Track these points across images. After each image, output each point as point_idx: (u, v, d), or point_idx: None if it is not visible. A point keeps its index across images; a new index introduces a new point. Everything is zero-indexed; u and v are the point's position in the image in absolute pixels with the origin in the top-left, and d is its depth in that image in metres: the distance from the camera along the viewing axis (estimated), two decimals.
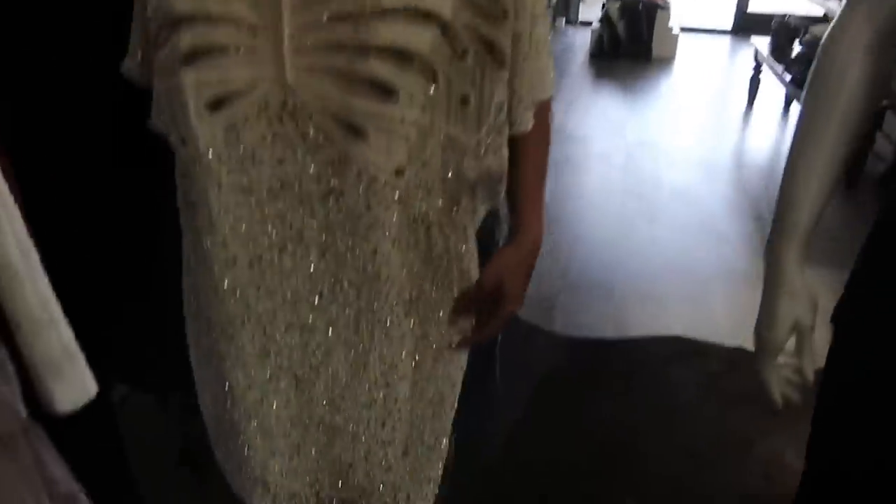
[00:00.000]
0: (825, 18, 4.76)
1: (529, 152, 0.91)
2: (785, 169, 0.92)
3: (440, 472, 1.04)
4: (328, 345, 0.89)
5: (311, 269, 0.84)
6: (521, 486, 1.71)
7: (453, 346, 0.96)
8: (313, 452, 0.98)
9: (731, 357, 2.18)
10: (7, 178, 0.84)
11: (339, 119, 0.76)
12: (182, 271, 0.97)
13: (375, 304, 0.86)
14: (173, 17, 0.75)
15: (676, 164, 3.82)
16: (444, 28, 0.74)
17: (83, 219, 1.07)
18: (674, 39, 6.02)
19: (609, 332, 2.35)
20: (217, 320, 0.90)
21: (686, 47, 6.23)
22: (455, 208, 0.87)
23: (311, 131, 0.77)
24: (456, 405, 1.02)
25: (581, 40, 6.49)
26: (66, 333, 0.90)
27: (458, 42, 0.76)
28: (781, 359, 0.92)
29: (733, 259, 2.85)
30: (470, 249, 0.93)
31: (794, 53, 3.99)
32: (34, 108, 0.98)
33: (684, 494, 1.69)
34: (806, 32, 3.91)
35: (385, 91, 0.74)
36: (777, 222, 0.91)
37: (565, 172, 3.54)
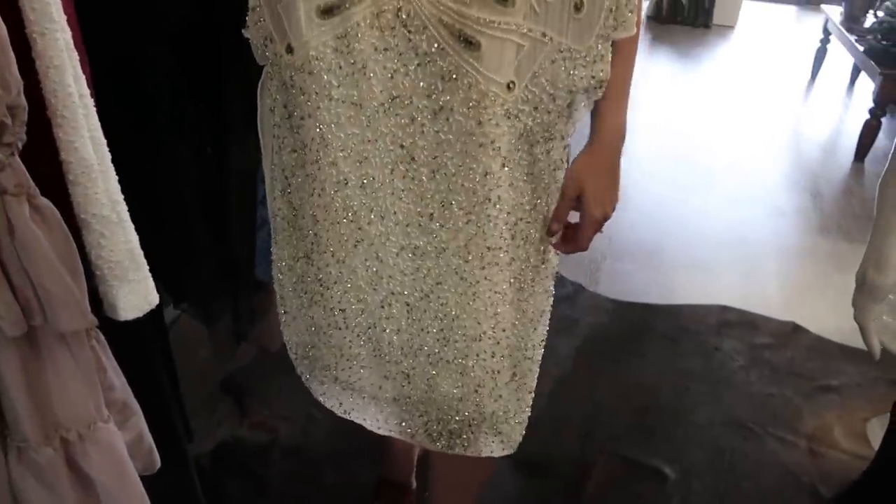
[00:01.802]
0: None
1: (623, 49, 0.86)
2: None
3: (536, 380, 1.04)
4: (439, 270, 0.88)
5: (422, 191, 0.83)
6: (559, 443, 1.70)
7: (548, 258, 0.95)
8: (423, 385, 0.98)
9: (781, 330, 2.11)
10: (84, 70, 0.83)
11: (452, 29, 0.74)
12: (266, 192, 0.95)
13: (486, 228, 0.85)
14: None
15: (733, 135, 3.70)
16: None
17: (132, 126, 1.05)
18: (737, 6, 5.79)
19: (655, 297, 2.30)
20: (327, 243, 0.89)
21: (749, 15, 6.00)
22: (560, 121, 0.85)
23: (424, 42, 0.75)
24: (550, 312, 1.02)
25: None
26: (132, 237, 0.88)
27: None
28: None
29: (788, 234, 2.76)
30: (565, 159, 0.91)
31: (868, 23, 3.81)
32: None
33: (725, 466, 1.66)
34: (884, 1, 3.72)
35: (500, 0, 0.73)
36: (894, 160, 0.85)
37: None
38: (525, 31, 0.76)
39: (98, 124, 0.84)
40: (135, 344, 1.02)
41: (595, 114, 0.90)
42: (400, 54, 0.76)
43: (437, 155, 0.81)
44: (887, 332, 0.89)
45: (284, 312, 1.04)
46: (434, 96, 0.78)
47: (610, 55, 0.84)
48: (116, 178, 0.86)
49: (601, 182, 0.92)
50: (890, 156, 0.96)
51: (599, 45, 0.82)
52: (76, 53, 0.82)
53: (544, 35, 0.78)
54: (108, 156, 0.85)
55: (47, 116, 0.79)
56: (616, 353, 2.02)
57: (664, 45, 5.29)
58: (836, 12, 4.22)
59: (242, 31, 0.85)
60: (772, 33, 5.93)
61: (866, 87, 3.81)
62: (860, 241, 2.63)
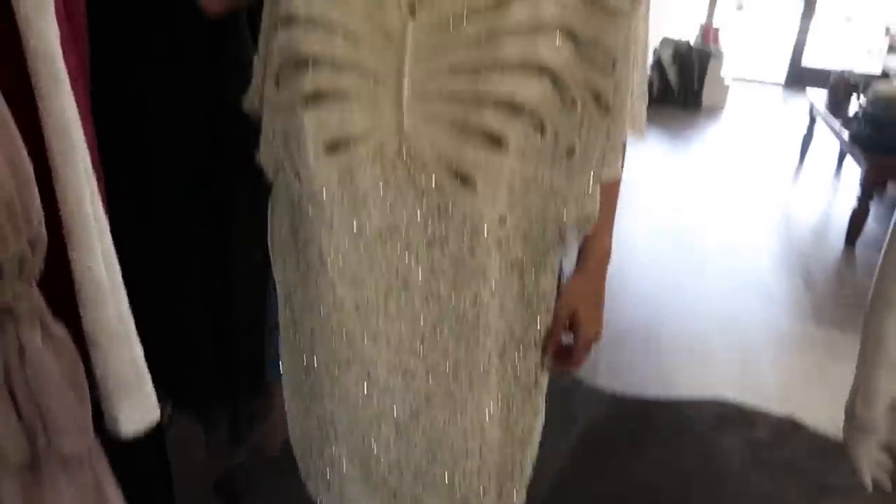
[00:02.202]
0: (884, 75, 4.71)
1: (610, 186, 0.90)
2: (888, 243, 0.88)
3: (524, 496, 1.03)
4: (428, 391, 0.90)
5: (414, 315, 0.85)
6: None
7: (539, 380, 0.96)
8: (409, 501, 0.97)
9: (780, 427, 2.09)
10: (101, 190, 0.85)
11: (449, 167, 0.78)
12: (277, 303, 0.97)
13: (474, 352, 0.87)
14: (299, 57, 0.76)
15: (724, 218, 3.76)
16: (556, 80, 0.75)
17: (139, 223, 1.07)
18: (725, 89, 5.99)
19: (653, 389, 2.28)
20: (321, 359, 0.91)
21: (737, 97, 6.19)
22: (550, 251, 0.88)
23: (423, 178, 0.79)
24: (541, 430, 1.02)
25: None
26: (138, 350, 0.89)
27: (567, 93, 0.77)
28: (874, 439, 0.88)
29: (782, 321, 2.77)
30: (554, 286, 0.93)
31: (851, 110, 3.94)
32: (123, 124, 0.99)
33: None
34: (866, 88, 3.86)
35: (495, 141, 0.76)
36: (878, 288, 0.86)
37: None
38: (518, 170, 0.79)
39: (111, 243, 0.85)
40: (131, 450, 1.00)
41: (584, 242, 0.93)
42: (399, 188, 0.79)
43: (431, 282, 0.84)
44: (880, 468, 0.88)
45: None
46: (430, 227, 0.81)
47: (598, 193, 0.86)
48: (126, 295, 0.87)
49: (592, 303, 0.96)
50: (873, 283, 0.97)
51: (589, 185, 0.84)
52: (94, 175, 0.84)
53: (536, 174, 0.81)
54: (119, 274, 0.87)
55: (62, 237, 0.81)
56: (615, 450, 1.99)
57: (656, 126, 5.44)
58: (820, 97, 4.37)
59: (256, 154, 0.88)
60: (759, 114, 6.11)
61: (853, 169, 3.91)
62: (854, 331, 2.64)
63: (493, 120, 0.75)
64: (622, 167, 0.88)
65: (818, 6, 6.88)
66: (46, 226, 0.76)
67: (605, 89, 0.79)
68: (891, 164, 3.31)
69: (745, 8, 12.87)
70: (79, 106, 0.86)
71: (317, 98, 0.77)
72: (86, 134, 0.85)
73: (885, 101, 3.38)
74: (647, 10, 0.81)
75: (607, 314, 0.99)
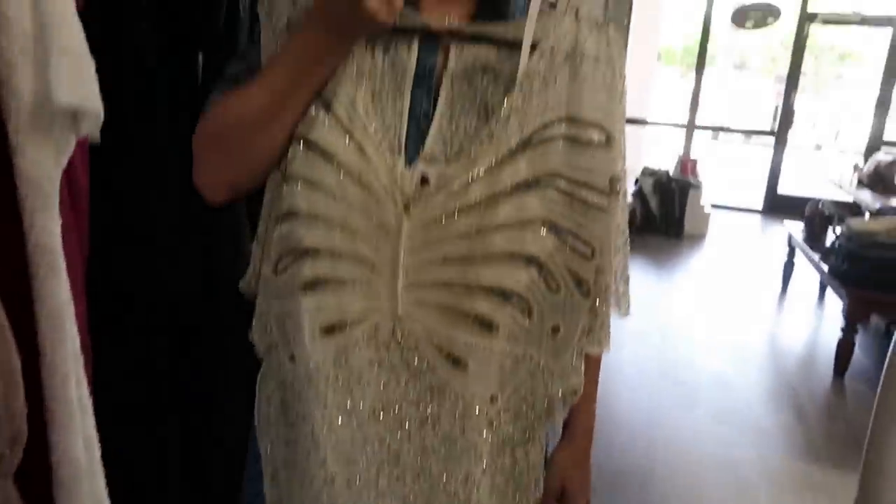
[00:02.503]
0: (857, 207, 4.89)
1: (593, 360, 0.94)
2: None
3: None
4: None
5: (406, 492, 0.85)
6: None
7: None
8: None
9: None
10: (87, 372, 0.85)
11: (441, 349, 0.80)
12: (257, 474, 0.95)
13: None
14: (300, 249, 0.80)
15: (712, 348, 3.77)
16: (541, 268, 0.80)
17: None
18: (705, 217, 6.18)
19: None
20: None
21: (717, 225, 6.38)
22: (538, 425, 0.89)
23: (416, 359, 0.81)
24: None
25: None
26: None
27: (551, 279, 0.81)
28: None
29: (774, 457, 2.72)
30: (542, 458, 0.94)
31: (828, 241, 4.05)
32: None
33: None
34: (840, 220, 4.00)
35: (485, 325, 0.80)
36: (876, 425, 0.86)
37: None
38: (508, 351, 0.82)
39: (93, 426, 0.85)
40: None
41: (569, 414, 0.94)
42: (393, 367, 0.81)
43: (422, 459, 0.84)
44: None
45: None
46: (422, 406, 0.82)
47: (583, 367, 0.89)
48: (103, 475, 0.86)
49: (580, 474, 0.97)
50: (872, 420, 0.97)
51: (574, 360, 0.87)
52: (82, 358, 0.85)
53: (525, 354, 0.84)
54: (98, 454, 0.86)
55: (44, 420, 0.81)
56: None
57: (640, 254, 5.57)
58: (797, 228, 4.52)
59: (249, 333, 0.90)
60: (740, 242, 6.28)
61: (836, 298, 3.97)
62: (849, 468, 2.59)
63: (483, 306, 0.79)
64: (607, 344, 0.91)
65: (790, 136, 7.27)
66: (28, 411, 0.76)
67: (586, 275, 0.83)
68: (872, 298, 3.37)
69: (721, 138, 13.61)
70: (74, 284, 0.89)
71: (315, 285, 0.80)
72: (78, 315, 0.87)
73: (859, 237, 3.49)
74: (625, 204, 0.87)
75: (600, 458, 0.99)
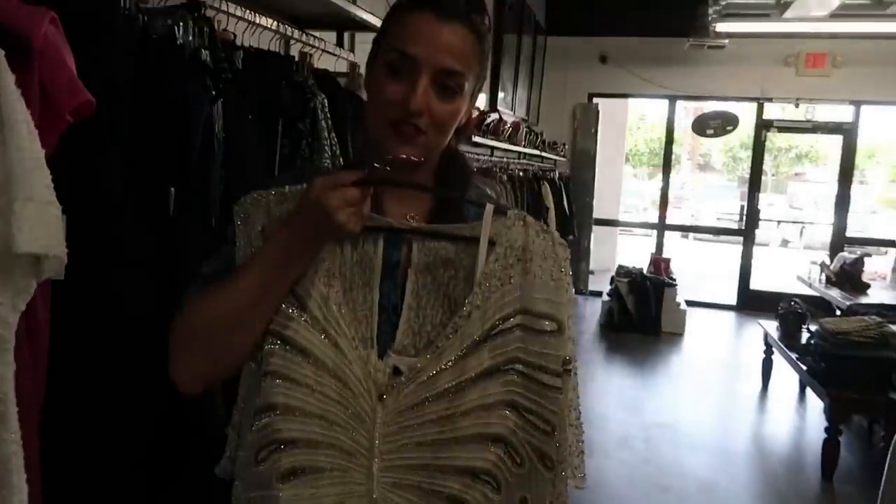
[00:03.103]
0: (829, 305, 4.97)
1: None
2: None
3: None
4: None
5: None
6: None
7: None
8: None
9: None
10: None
11: None
12: None
13: None
14: (279, 440, 0.83)
15: (697, 450, 3.70)
16: (507, 446, 0.86)
17: None
18: (682, 314, 6.23)
19: None
20: None
21: (693, 322, 6.42)
22: None
23: None
24: None
25: (591, 309, 6.73)
26: None
27: (516, 454, 0.87)
28: None
29: None
30: None
31: (803, 338, 4.07)
32: None
33: None
34: (813, 318, 4.03)
35: (457, 502, 0.83)
36: None
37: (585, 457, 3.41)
38: None
39: None
40: None
41: None
42: None
43: None
44: None
45: None
46: None
47: None
48: None
49: None
50: None
51: None
52: None
53: None
54: None
55: None
56: None
57: (619, 353, 5.55)
58: (772, 326, 4.55)
59: None
60: (717, 338, 6.30)
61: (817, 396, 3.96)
62: None
63: (455, 485, 0.83)
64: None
65: (757, 233, 7.48)
66: None
67: (548, 449, 0.89)
68: (852, 399, 3.36)
69: (690, 237, 13.97)
70: (27, 430, 0.85)
71: (293, 474, 0.82)
72: (29, 463, 0.83)
73: (833, 337, 3.52)
74: (576, 384, 0.93)
75: None
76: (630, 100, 8.45)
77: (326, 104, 1.56)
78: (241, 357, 0.88)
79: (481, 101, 4.59)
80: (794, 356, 3.95)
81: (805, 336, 4.09)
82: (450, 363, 0.84)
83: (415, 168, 0.89)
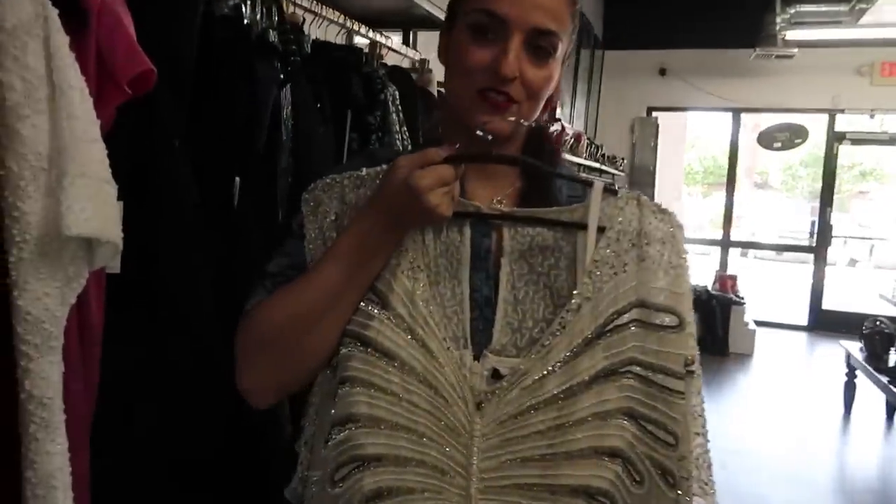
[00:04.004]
0: None
1: None
2: None
3: None
4: None
5: None
6: None
7: None
8: None
9: None
10: None
11: None
12: None
13: None
14: (362, 457, 0.74)
15: (777, 480, 3.43)
16: (625, 461, 0.75)
17: None
18: (750, 334, 5.93)
19: None
20: None
21: (763, 342, 6.09)
22: None
23: None
24: None
25: None
26: None
27: (636, 472, 0.77)
28: None
29: None
30: None
31: (892, 361, 3.79)
32: None
33: None
34: None
35: None
36: None
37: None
38: None
39: None
40: None
41: None
42: None
43: None
44: None
45: None
46: None
47: None
48: None
49: None
50: None
51: None
52: None
53: None
54: None
55: None
56: None
57: None
58: (854, 347, 4.24)
59: None
60: (789, 360, 5.96)
61: None
62: None
63: None
64: None
65: (829, 252, 7.10)
66: None
67: (670, 464, 0.78)
68: None
69: (751, 255, 13.46)
70: (75, 442, 0.75)
71: (378, 497, 0.73)
72: (77, 479, 0.72)
73: None
74: (700, 387, 0.82)
75: None
76: (688, 117, 8.18)
77: (398, 97, 1.45)
78: (318, 363, 0.79)
79: None
80: (883, 379, 3.66)
81: (894, 358, 3.79)
82: (558, 365, 0.74)
83: (506, 143, 0.80)
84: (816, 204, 7.23)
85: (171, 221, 0.92)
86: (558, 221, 0.80)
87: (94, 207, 0.69)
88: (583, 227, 0.78)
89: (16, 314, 0.67)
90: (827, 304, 7.02)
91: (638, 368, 0.76)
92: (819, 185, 7.17)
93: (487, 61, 0.76)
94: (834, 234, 7.41)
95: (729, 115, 7.13)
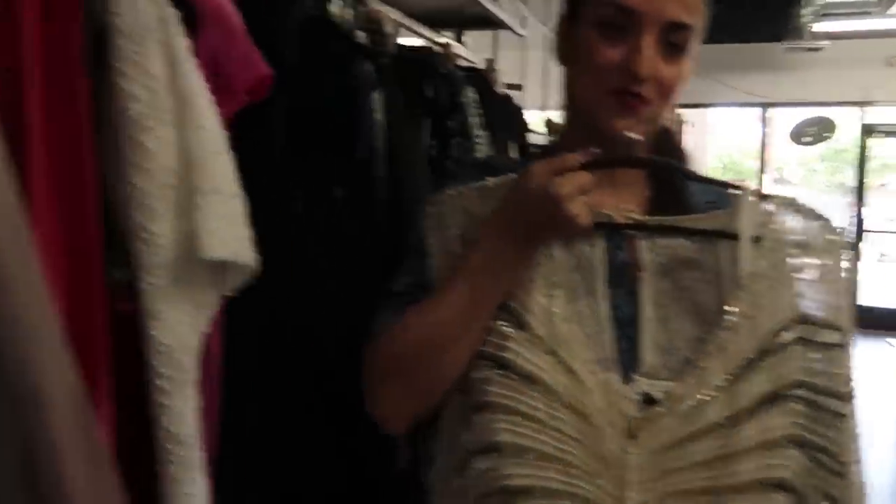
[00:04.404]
0: None
1: None
2: None
3: None
4: None
5: None
6: None
7: None
8: None
9: None
10: None
11: None
12: None
13: None
14: (509, 489, 0.69)
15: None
16: (794, 494, 0.71)
17: None
18: None
19: None
20: None
21: None
22: None
23: None
24: None
25: None
26: None
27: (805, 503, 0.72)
28: None
29: None
30: None
31: None
32: None
33: None
34: None
35: None
36: None
37: None
38: None
39: None
40: None
41: None
42: None
43: None
44: None
45: None
46: None
47: None
48: None
49: None
50: None
51: None
52: None
53: None
54: None
55: None
56: None
57: None
58: None
59: None
60: None
61: None
62: None
63: None
64: None
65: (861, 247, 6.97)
66: None
67: (841, 494, 0.73)
68: None
69: None
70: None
71: None
72: None
73: None
74: (853, 409, 0.76)
75: None
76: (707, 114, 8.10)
77: (477, 99, 1.39)
78: (449, 385, 0.74)
79: None
80: None
81: None
82: (717, 388, 0.69)
83: (641, 147, 0.75)
84: (837, 198, 7.13)
85: (274, 236, 0.86)
86: (699, 230, 0.74)
87: (228, 227, 0.63)
88: (727, 236, 0.72)
89: (150, 346, 0.61)
90: (865, 301, 6.86)
91: (804, 392, 0.71)
92: (838, 178, 7.08)
93: (618, 60, 0.71)
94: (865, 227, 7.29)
95: (749, 110, 7.03)
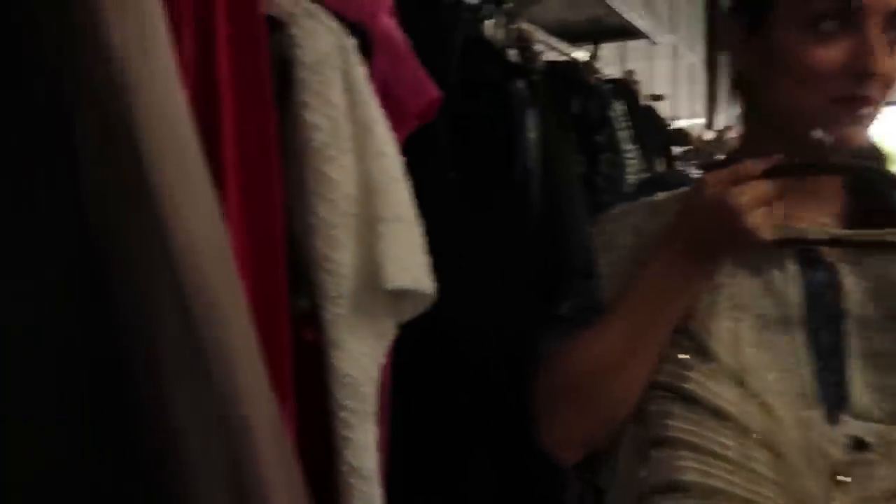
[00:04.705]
0: None
1: None
2: None
3: None
4: None
5: None
6: None
7: None
8: None
9: None
10: None
11: None
12: None
13: None
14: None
15: None
16: None
17: None
18: None
19: None
20: None
21: None
22: None
23: None
24: None
25: None
26: None
27: None
28: None
29: None
30: None
31: None
32: None
33: None
34: None
35: None
36: None
37: None
38: None
39: None
40: None
41: None
42: None
43: None
44: None
45: None
46: None
47: None
48: None
49: None
50: None
51: None
52: None
53: None
54: None
55: None
56: None
57: None
58: None
59: None
60: None
61: None
62: None
63: None
64: None
65: None
66: None
67: None
68: None
69: None
70: None
71: None
72: None
73: None
74: None
75: None
76: None
77: (626, 112, 1.34)
78: (623, 413, 0.68)
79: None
80: None
81: None
82: None
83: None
84: None
85: (442, 263, 0.85)
86: None
87: (409, 254, 0.62)
88: None
89: (333, 377, 0.60)
90: None
91: None
92: None
93: (840, 61, 0.62)
94: None
95: None
